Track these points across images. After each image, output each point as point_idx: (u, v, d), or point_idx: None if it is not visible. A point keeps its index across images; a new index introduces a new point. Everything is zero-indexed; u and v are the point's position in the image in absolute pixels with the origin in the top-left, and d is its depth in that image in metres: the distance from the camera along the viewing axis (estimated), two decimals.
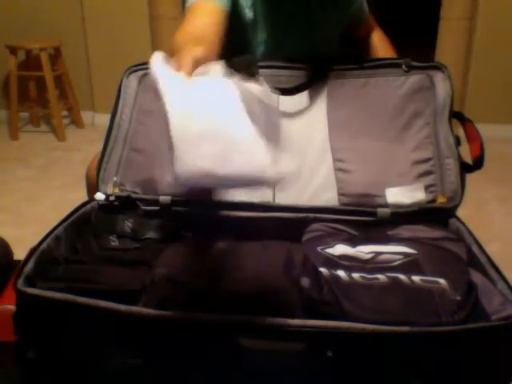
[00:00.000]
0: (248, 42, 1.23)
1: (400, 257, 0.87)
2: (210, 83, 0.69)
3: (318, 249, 0.91)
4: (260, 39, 1.23)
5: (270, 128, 0.70)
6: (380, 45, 1.41)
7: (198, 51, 0.76)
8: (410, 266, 0.85)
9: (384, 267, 0.85)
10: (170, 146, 0.64)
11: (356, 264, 0.86)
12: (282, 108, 1.11)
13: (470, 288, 0.80)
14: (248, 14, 1.19)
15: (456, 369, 0.71)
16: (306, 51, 1.22)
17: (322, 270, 0.84)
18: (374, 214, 1.01)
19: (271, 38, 1.24)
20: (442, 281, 0.80)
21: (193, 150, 0.63)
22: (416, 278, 0.81)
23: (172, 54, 0.98)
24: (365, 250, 0.90)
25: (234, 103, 0.66)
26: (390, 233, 0.97)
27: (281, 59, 1.16)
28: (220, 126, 0.64)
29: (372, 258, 0.88)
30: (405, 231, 0.97)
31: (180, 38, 0.99)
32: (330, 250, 0.90)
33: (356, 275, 0.83)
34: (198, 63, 0.73)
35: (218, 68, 0.72)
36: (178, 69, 0.71)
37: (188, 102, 0.65)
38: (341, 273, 0.83)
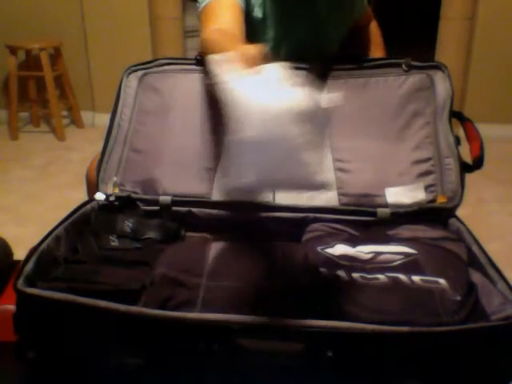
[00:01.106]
0: (257, 40, 1.24)
1: (400, 257, 0.87)
2: (272, 85, 0.67)
3: (318, 249, 0.91)
4: (268, 37, 1.24)
5: (320, 134, 0.69)
6: (372, 39, 1.47)
7: (251, 49, 0.72)
8: (410, 265, 0.85)
9: (384, 267, 0.85)
10: (226, 153, 0.63)
11: (356, 264, 0.86)
12: None
13: (470, 288, 0.80)
14: (257, 12, 1.20)
15: (456, 369, 0.71)
16: (312, 50, 1.23)
17: (322, 270, 0.84)
18: (373, 214, 1.01)
19: (279, 36, 1.25)
20: (441, 281, 0.80)
21: (248, 158, 0.63)
22: (416, 278, 0.81)
23: (205, 53, 0.98)
24: (365, 250, 0.90)
25: (292, 107, 0.64)
26: (390, 233, 0.97)
27: (288, 57, 1.16)
28: (277, 133, 0.63)
29: (372, 258, 0.88)
30: (405, 231, 0.97)
31: (210, 35, 1.00)
32: (329, 250, 0.90)
33: (356, 275, 0.83)
34: (254, 61, 0.71)
35: (275, 68, 0.72)
36: (242, 67, 0.69)
37: (248, 108, 0.63)
38: (341, 273, 0.83)
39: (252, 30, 1.21)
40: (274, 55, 1.23)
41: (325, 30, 1.27)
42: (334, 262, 0.86)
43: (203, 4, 1.12)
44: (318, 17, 1.25)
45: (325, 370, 0.71)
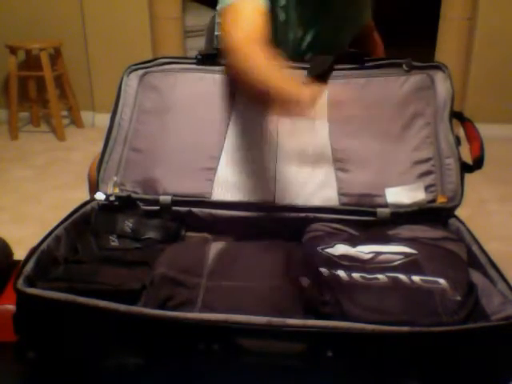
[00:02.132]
0: (278, 41, 1.24)
1: (400, 257, 0.87)
2: None
3: (318, 249, 0.91)
4: (290, 38, 1.26)
5: None
6: (374, 49, 1.52)
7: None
8: (410, 265, 0.85)
9: (384, 267, 0.85)
10: None
11: (356, 264, 0.86)
12: None
13: (470, 288, 0.80)
14: (281, 14, 1.21)
15: (456, 369, 0.71)
16: (329, 50, 1.23)
17: (322, 270, 0.84)
18: (373, 214, 1.01)
19: (300, 37, 1.27)
20: (442, 281, 0.80)
21: None
22: (416, 278, 0.81)
23: (230, 51, 1.01)
24: (365, 250, 0.90)
25: None
26: (390, 233, 0.97)
27: (307, 57, 1.21)
28: None
29: (372, 258, 0.88)
30: (405, 231, 0.97)
31: (238, 35, 1.02)
32: (330, 250, 0.90)
33: (356, 275, 0.83)
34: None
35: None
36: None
37: None
38: (341, 273, 0.83)
39: (274, 32, 1.21)
40: (295, 56, 1.24)
41: (341, 30, 1.29)
42: (334, 262, 0.86)
43: (226, 3, 1.10)
44: (335, 18, 1.27)
45: (325, 370, 0.71)
